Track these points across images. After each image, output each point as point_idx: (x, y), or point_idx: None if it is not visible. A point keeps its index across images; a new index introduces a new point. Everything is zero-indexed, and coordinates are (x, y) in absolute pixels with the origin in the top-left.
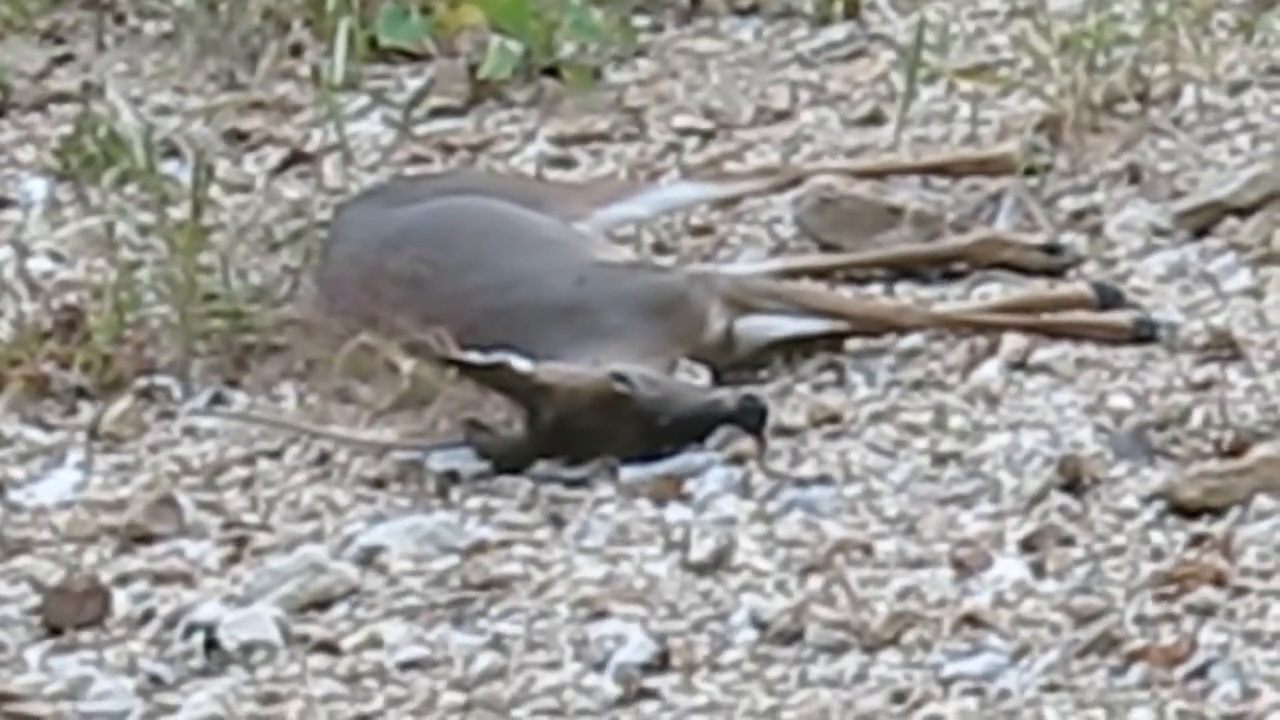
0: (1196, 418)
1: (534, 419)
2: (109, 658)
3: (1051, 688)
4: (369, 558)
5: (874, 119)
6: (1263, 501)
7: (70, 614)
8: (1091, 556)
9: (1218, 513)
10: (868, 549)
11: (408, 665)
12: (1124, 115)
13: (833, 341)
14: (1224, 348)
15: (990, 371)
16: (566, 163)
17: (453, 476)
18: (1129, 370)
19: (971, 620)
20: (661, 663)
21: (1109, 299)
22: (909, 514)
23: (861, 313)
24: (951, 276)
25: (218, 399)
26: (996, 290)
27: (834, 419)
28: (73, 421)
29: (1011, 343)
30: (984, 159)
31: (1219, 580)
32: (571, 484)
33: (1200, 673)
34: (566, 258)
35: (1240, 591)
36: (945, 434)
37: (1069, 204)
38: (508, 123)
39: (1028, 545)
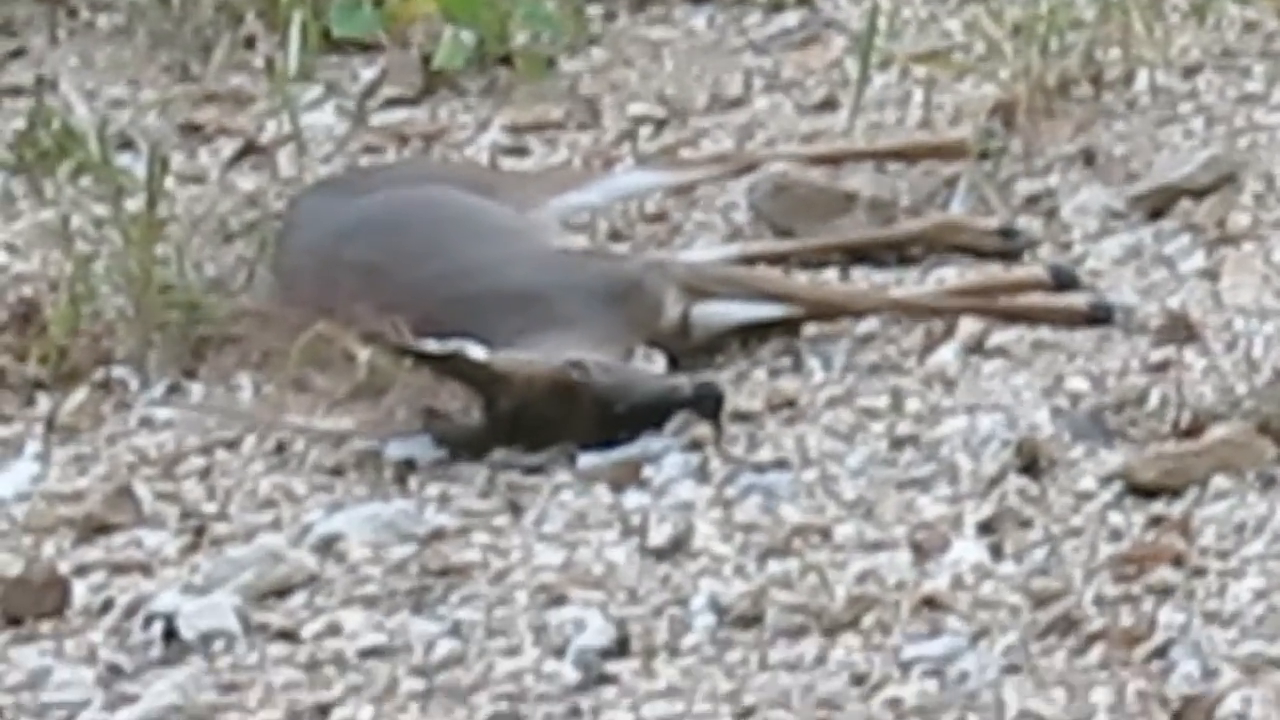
0: (1153, 399)
1: (491, 407)
2: (68, 648)
3: (1011, 669)
4: (327, 546)
5: (828, 105)
6: (1220, 482)
7: (29, 605)
8: (1050, 538)
9: (1175, 493)
10: (826, 533)
11: (367, 653)
12: (1078, 99)
13: (789, 327)
14: (1180, 329)
15: (947, 355)
16: (521, 151)
17: (410, 465)
18: (1085, 352)
19: (930, 603)
20: (621, 648)
21: (1064, 282)
22: (867, 498)
23: (817, 298)
24: (907, 261)
25: (174, 390)
26: (952, 274)
27: (791, 404)
28: (30, 413)
29: (967, 326)
30: (938, 144)
31: (1177, 561)
32: (529, 471)
33: (1160, 653)
34: (522, 246)
35: (1199, 572)
36: (902, 417)
37: (1024, 188)
38: (461, 112)
39: (986, 527)
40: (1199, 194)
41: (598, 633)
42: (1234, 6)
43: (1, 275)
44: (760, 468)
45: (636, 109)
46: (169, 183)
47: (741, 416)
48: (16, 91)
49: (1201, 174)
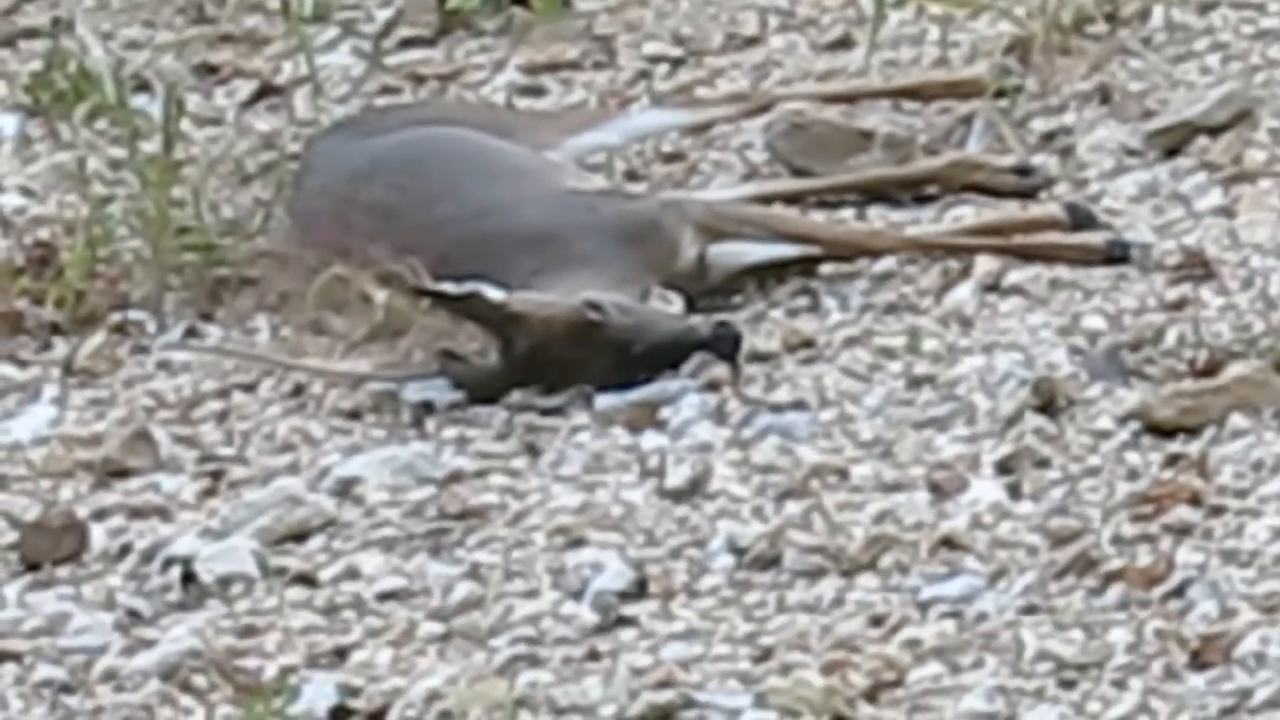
0: (1170, 337)
1: (508, 348)
2: (87, 593)
3: (1029, 609)
4: (345, 489)
5: (843, 43)
6: (1237, 420)
7: (47, 549)
8: (1068, 478)
9: (1193, 432)
10: (844, 473)
11: (385, 596)
12: (1093, 36)
13: (806, 266)
14: (1196, 267)
15: (963, 294)
16: (537, 91)
17: (428, 407)
18: (1102, 291)
19: (948, 543)
20: (639, 590)
21: (1081, 220)
22: (884, 438)
23: (834, 237)
24: (923, 200)
25: (191, 333)
26: (969, 213)
27: (808, 344)
28: (47, 357)
29: (984, 265)
30: (954, 82)
31: (1195, 500)
32: (547, 413)
33: (1178, 592)
34: (538, 187)
35: (1217, 511)
36: (919, 357)
37: (1040, 125)
38: (477, 52)
39: (1004, 467)
40: (1215, 131)
41: (616, 575)
42: None
43: (18, 218)
44: (778, 408)
45: (652, 48)
46: (185, 124)
47: (759, 357)
48: (32, 33)
49: (1218, 111)
